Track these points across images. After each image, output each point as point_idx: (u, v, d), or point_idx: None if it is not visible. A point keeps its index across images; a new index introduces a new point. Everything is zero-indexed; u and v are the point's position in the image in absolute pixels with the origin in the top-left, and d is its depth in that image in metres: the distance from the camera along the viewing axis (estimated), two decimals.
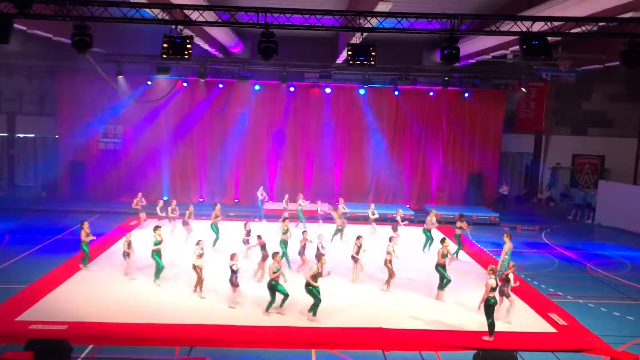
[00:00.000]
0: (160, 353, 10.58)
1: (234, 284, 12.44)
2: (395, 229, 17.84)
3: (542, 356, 10.75)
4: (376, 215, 19.01)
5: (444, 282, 13.50)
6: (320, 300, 11.88)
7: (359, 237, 14.56)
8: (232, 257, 12.52)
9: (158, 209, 18.63)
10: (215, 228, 17.16)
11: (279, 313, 12.15)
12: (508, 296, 12.09)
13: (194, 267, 13.03)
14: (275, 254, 12.46)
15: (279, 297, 12.16)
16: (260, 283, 13.62)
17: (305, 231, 15.41)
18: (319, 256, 13.02)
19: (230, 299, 12.61)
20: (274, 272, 12.00)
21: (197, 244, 13.32)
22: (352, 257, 14.51)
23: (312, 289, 11.83)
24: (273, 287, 12.04)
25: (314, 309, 11.90)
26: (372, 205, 19.43)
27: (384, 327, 11.63)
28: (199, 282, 13.09)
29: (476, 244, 19.44)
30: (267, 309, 12.16)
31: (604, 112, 27.98)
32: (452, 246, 15.44)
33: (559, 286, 15.21)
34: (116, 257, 15.69)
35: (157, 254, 13.81)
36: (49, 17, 11.93)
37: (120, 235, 18.18)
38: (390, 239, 14.46)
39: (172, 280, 14.10)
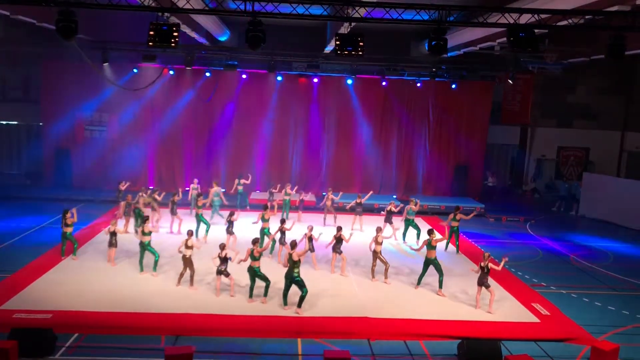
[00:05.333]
0: (146, 342, 10.56)
1: (224, 273, 12.44)
2: (389, 221, 17.81)
3: (525, 345, 10.89)
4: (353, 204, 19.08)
5: (440, 278, 13.31)
6: (306, 291, 11.90)
7: (339, 229, 14.59)
8: (222, 247, 12.52)
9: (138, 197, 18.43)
10: (198, 219, 16.98)
11: (262, 302, 12.17)
12: (488, 286, 12.21)
13: (183, 257, 12.96)
14: (255, 241, 12.44)
15: (260, 283, 12.22)
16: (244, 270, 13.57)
17: (284, 219, 15.36)
18: (293, 244, 12.39)
19: (220, 288, 12.60)
20: (254, 259, 12.09)
21: (189, 235, 13.16)
22: (333, 248, 14.53)
23: (298, 279, 11.82)
24: (254, 273, 12.15)
25: (301, 299, 11.89)
26: (361, 195, 19.44)
27: (369, 316, 11.71)
28: (188, 273, 13.00)
29: (461, 235, 19.56)
30: (250, 295, 12.26)
31: (588, 104, 28.22)
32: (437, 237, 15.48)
33: (542, 277, 15.41)
34: (101, 246, 15.61)
35: (149, 243, 13.76)
36: (33, 3, 11.77)
37: (104, 224, 18.09)
38: (378, 230, 14.36)
39: (158, 270, 13.99)
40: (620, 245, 19.61)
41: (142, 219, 14.55)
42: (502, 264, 12.44)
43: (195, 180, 20.41)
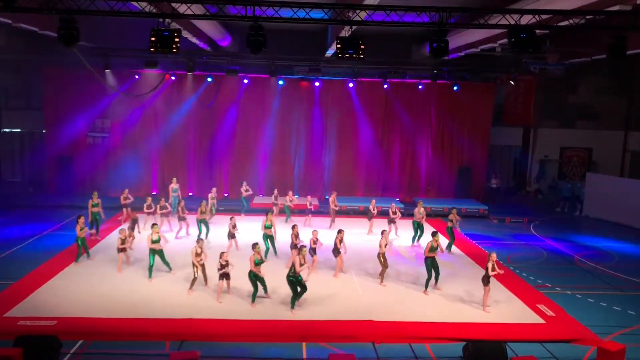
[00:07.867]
0: (151, 348, 10.55)
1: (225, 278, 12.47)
2: (390, 222, 17.87)
3: (531, 347, 10.84)
4: (374, 211, 19.07)
5: (428, 278, 13.49)
6: (297, 293, 11.96)
7: (340, 231, 14.58)
8: (222, 255, 12.53)
9: (145, 205, 18.37)
10: (200, 225, 17.10)
11: (252, 306, 12.25)
12: (486, 284, 12.21)
13: (194, 264, 12.97)
14: (255, 245, 12.43)
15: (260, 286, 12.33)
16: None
17: (295, 225, 15.37)
18: (300, 248, 12.48)
19: (217, 294, 12.62)
20: (256, 264, 12.10)
21: (197, 242, 13.24)
22: (333, 250, 14.51)
23: (292, 280, 11.85)
24: (255, 278, 12.19)
25: (293, 300, 11.97)
26: (374, 200, 19.46)
27: (374, 319, 11.68)
28: (193, 280, 13.05)
29: (465, 236, 19.54)
30: (253, 300, 12.31)
31: (591, 105, 28.20)
32: (442, 240, 15.44)
33: (547, 278, 15.34)
34: (105, 252, 15.62)
35: (152, 252, 13.75)
36: (34, 10, 11.80)
37: (108, 230, 18.16)
38: (383, 232, 14.47)
39: (162, 276, 14.04)
40: (624, 246, 19.52)
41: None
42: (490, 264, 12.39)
43: (214, 190, 20.24)
